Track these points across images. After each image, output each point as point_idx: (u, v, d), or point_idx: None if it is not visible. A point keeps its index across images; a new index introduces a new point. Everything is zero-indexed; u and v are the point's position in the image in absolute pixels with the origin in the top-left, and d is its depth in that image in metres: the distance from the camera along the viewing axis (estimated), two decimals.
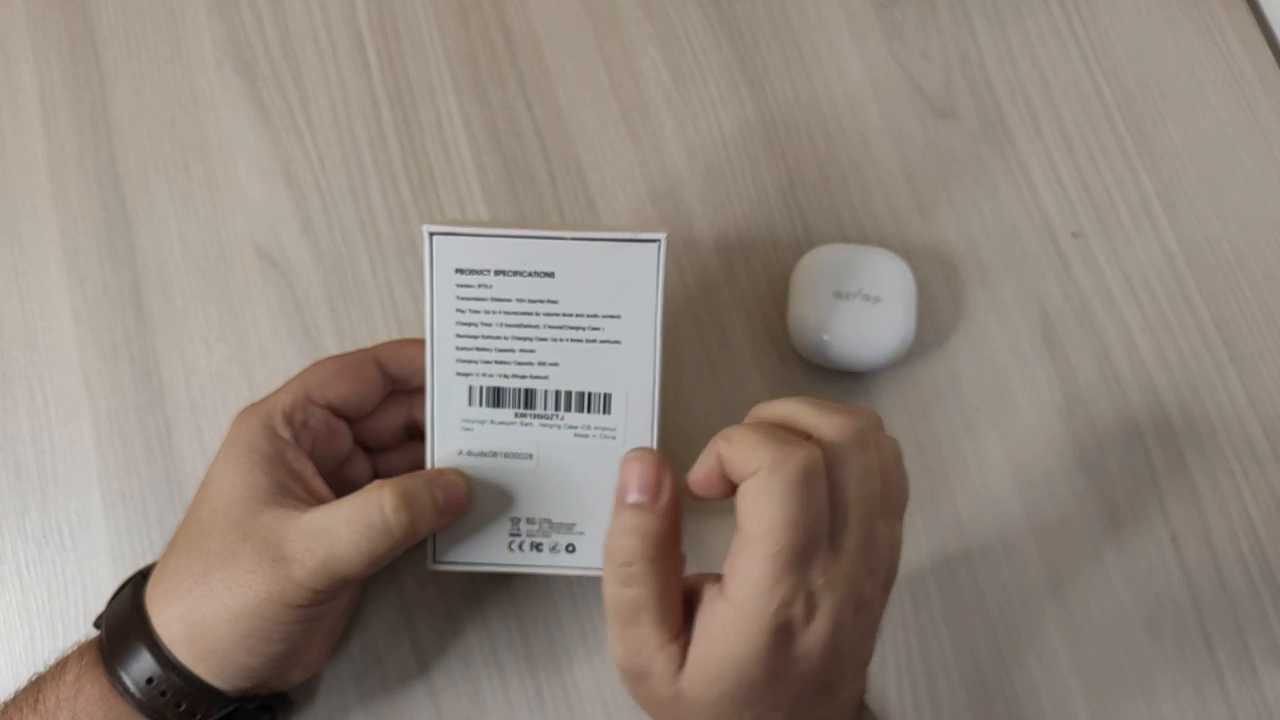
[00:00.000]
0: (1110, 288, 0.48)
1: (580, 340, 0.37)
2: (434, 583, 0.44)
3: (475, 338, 0.36)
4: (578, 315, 0.36)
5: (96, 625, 0.39)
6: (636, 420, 0.37)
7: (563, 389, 0.37)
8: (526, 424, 0.37)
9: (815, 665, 0.31)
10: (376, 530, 0.34)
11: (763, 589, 0.30)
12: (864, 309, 0.44)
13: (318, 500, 0.37)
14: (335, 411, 0.39)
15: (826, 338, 0.44)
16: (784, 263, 0.48)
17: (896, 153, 0.50)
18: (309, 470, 0.37)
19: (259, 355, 0.47)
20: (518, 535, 0.38)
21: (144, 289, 0.48)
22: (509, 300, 0.36)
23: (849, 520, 0.31)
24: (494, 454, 0.37)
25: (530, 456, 0.37)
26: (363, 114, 0.50)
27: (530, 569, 0.38)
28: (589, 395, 0.37)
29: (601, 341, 0.37)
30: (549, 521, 0.38)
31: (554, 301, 0.36)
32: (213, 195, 0.49)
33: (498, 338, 0.36)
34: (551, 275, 0.36)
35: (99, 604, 0.44)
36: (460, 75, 0.51)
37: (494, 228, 0.36)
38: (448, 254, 0.36)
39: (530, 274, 0.36)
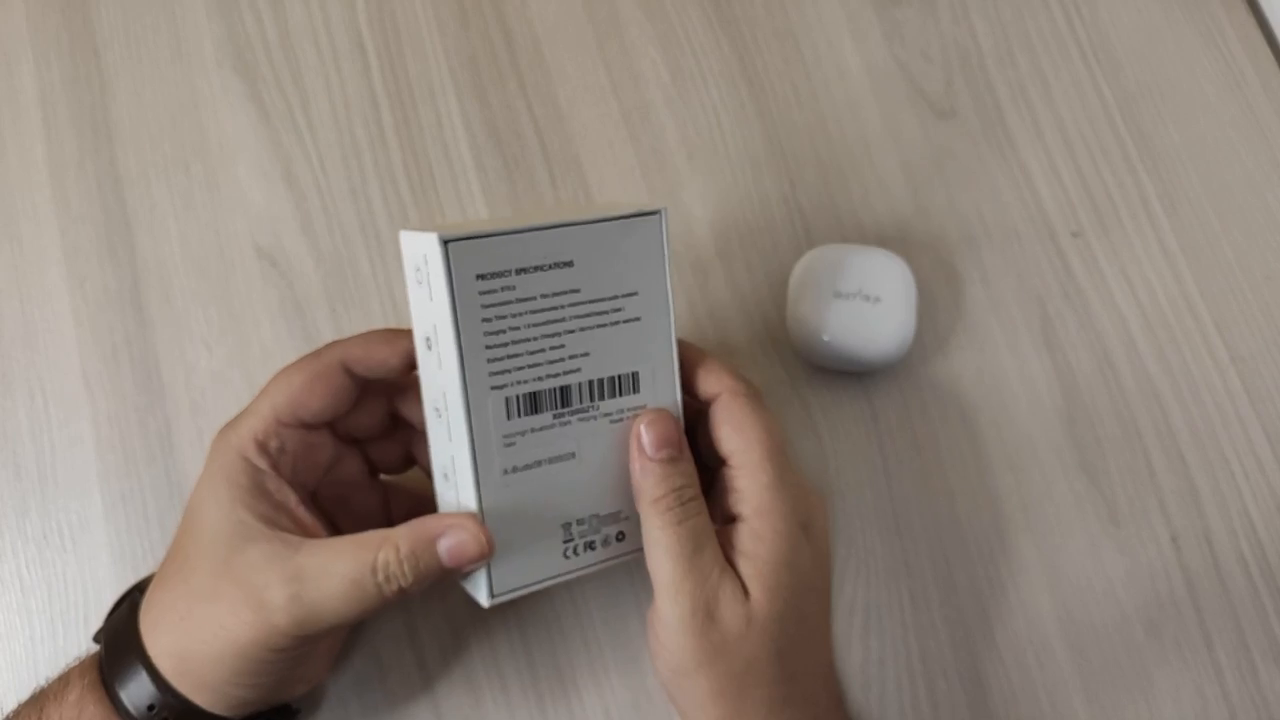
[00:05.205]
0: (1110, 288, 0.48)
1: (605, 325, 0.36)
2: (437, 593, 0.44)
3: (505, 345, 0.34)
4: (599, 300, 0.36)
5: (96, 640, 0.38)
6: (661, 391, 0.37)
7: (595, 378, 0.36)
8: (565, 423, 0.36)
9: (826, 562, 0.38)
10: (369, 593, 0.33)
11: (776, 487, 0.35)
12: (864, 309, 0.44)
13: (303, 529, 0.36)
14: (310, 425, 0.37)
15: (826, 338, 0.44)
16: (784, 263, 0.48)
17: (896, 153, 0.50)
18: (291, 499, 0.36)
19: (259, 356, 0.47)
20: (571, 540, 0.37)
21: (144, 290, 0.48)
22: (533, 298, 0.34)
23: None
24: (538, 463, 0.36)
25: (573, 455, 0.36)
26: (363, 115, 0.50)
27: (588, 570, 0.37)
28: (619, 378, 0.36)
29: (624, 321, 0.36)
30: (597, 516, 0.37)
31: (576, 290, 0.35)
32: (213, 196, 0.49)
33: (527, 340, 0.35)
34: (571, 264, 0.35)
35: (99, 606, 0.44)
36: (460, 75, 0.51)
37: (503, 226, 0.34)
38: (467, 261, 0.33)
39: (551, 267, 0.35)
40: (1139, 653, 0.44)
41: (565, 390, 0.35)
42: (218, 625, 0.34)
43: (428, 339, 0.35)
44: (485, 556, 0.34)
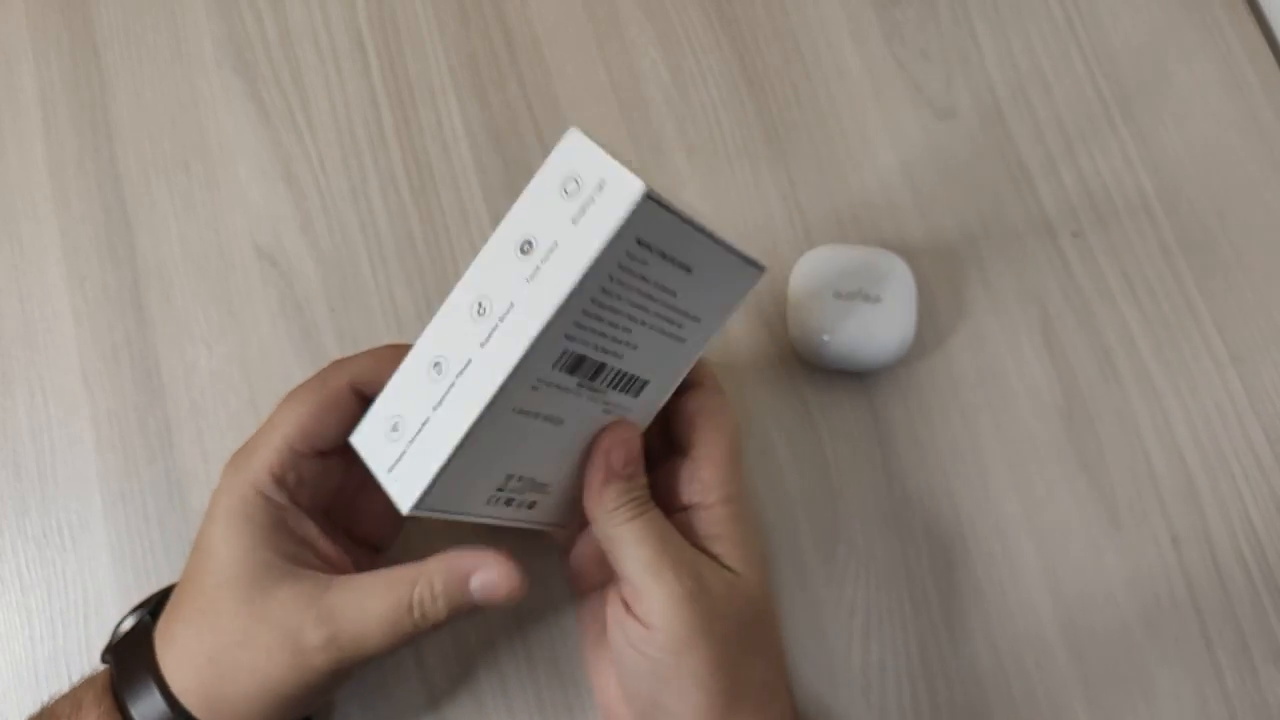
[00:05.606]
0: (1110, 288, 0.48)
1: (663, 332, 0.36)
2: None
3: (602, 306, 0.33)
4: (677, 311, 0.35)
5: (104, 659, 0.38)
6: (647, 405, 0.37)
7: (624, 369, 0.36)
8: (577, 394, 0.35)
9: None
10: (405, 629, 0.34)
11: (736, 481, 0.38)
12: (864, 309, 0.44)
13: (330, 563, 0.36)
14: (324, 452, 0.37)
15: (826, 338, 0.44)
16: (784, 263, 0.48)
17: (896, 153, 0.50)
18: (313, 531, 0.36)
19: (259, 355, 0.47)
20: (501, 491, 0.36)
21: (144, 289, 0.48)
22: (648, 281, 0.33)
23: None
24: (538, 414, 0.34)
25: (561, 422, 0.35)
26: (363, 114, 0.50)
27: (490, 521, 0.36)
28: (636, 379, 0.36)
29: (674, 337, 0.36)
30: (531, 481, 0.36)
31: (673, 294, 0.35)
32: (213, 195, 0.49)
33: (616, 311, 0.33)
34: (689, 270, 0.34)
35: (99, 605, 0.44)
36: (460, 75, 0.51)
37: (681, 209, 0.32)
38: (640, 222, 0.31)
39: (678, 264, 0.34)
40: (1139, 654, 0.44)
41: (601, 367, 0.35)
42: (251, 668, 0.34)
43: (528, 242, 0.32)
44: (515, 597, 0.35)
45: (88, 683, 0.37)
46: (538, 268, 0.32)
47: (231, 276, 0.48)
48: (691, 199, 0.49)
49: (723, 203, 0.49)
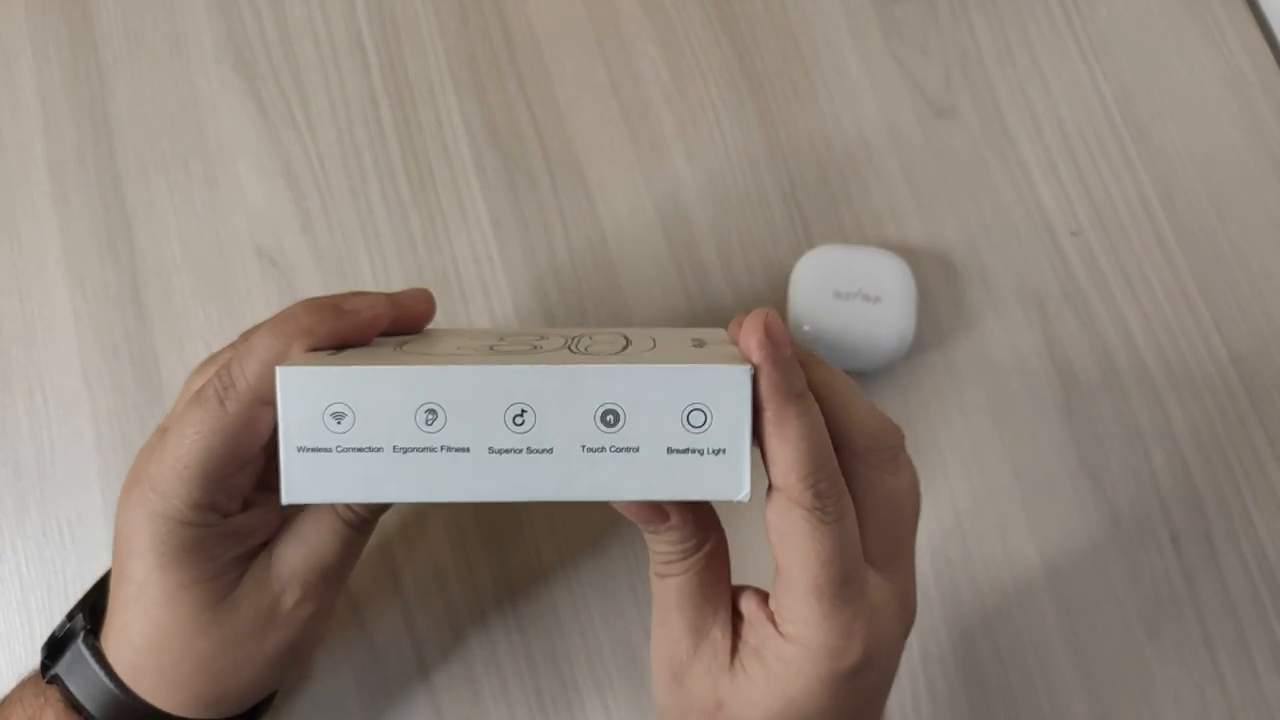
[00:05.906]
0: (1110, 288, 0.48)
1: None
2: (436, 589, 0.44)
3: None
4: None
5: (51, 681, 0.35)
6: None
7: None
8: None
9: (867, 692, 0.31)
10: (341, 528, 0.34)
11: (814, 626, 0.29)
12: (864, 309, 0.44)
13: (252, 532, 0.34)
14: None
15: (827, 338, 0.44)
16: (784, 263, 0.48)
17: (896, 152, 0.50)
18: (239, 520, 0.34)
19: None
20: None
21: (144, 288, 0.48)
22: None
23: (886, 540, 0.31)
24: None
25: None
26: (362, 113, 0.50)
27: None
28: None
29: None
30: None
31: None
32: (212, 194, 0.49)
33: None
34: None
35: None
36: (460, 75, 0.51)
37: None
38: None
39: None
40: (1139, 653, 0.44)
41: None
42: (248, 658, 0.34)
43: (614, 413, 0.29)
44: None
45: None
46: (603, 448, 0.29)
47: (231, 275, 0.48)
48: (691, 199, 0.49)
49: (723, 202, 0.49)
